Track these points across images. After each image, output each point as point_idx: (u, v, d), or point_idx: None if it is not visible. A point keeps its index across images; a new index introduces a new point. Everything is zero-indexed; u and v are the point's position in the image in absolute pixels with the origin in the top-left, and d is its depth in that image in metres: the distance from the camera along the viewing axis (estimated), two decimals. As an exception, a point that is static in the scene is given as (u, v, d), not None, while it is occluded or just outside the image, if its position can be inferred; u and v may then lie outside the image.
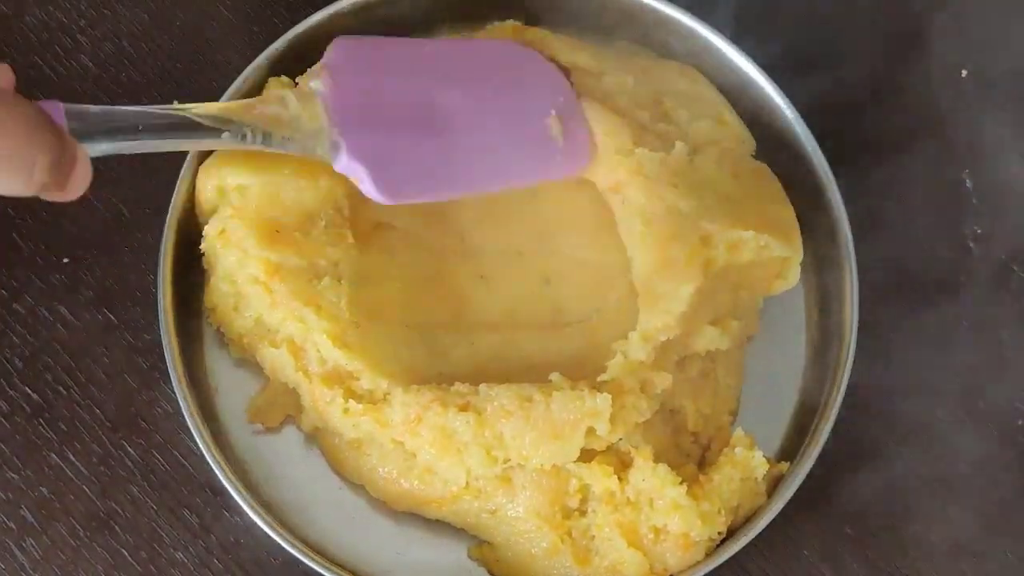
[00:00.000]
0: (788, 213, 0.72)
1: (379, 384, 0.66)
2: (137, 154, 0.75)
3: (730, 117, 0.75)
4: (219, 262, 0.68)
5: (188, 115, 0.60)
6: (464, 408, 0.65)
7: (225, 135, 0.61)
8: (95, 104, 0.57)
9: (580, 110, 0.71)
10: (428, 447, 0.66)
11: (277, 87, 0.71)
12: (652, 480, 0.65)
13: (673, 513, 0.65)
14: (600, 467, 0.66)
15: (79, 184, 0.53)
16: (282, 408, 0.71)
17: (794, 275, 0.72)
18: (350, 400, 0.66)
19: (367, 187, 0.63)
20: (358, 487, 0.70)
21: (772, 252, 0.70)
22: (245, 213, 0.67)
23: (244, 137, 0.61)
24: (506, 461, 0.65)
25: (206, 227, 0.69)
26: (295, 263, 0.67)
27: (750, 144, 0.75)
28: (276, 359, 0.68)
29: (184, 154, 0.70)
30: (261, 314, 0.68)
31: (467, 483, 0.67)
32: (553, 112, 0.69)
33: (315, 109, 0.63)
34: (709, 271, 0.69)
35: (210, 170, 0.69)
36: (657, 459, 0.66)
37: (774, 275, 0.72)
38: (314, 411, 0.68)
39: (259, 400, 0.71)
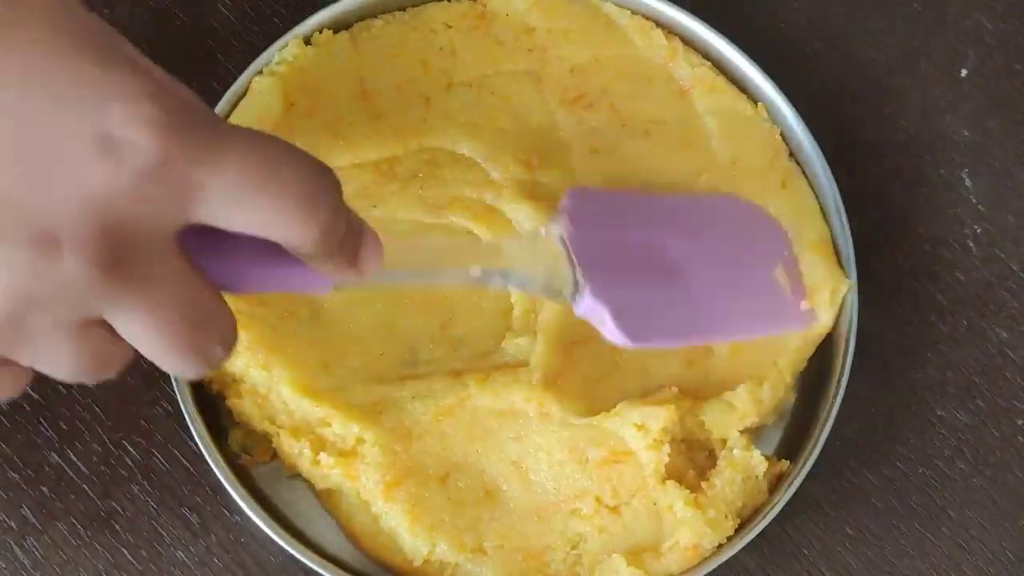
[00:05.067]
0: None
1: (351, 430, 0.66)
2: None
3: None
4: None
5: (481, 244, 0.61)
6: (444, 479, 0.66)
7: (476, 270, 0.57)
8: None
9: (798, 266, 0.71)
10: (400, 516, 0.66)
11: (297, 48, 0.71)
12: (662, 499, 0.66)
13: (681, 528, 0.65)
14: (596, 505, 0.66)
15: (370, 260, 0.49)
16: (265, 446, 0.69)
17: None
18: (320, 453, 0.66)
19: (609, 328, 0.62)
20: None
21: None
22: None
23: (495, 273, 0.58)
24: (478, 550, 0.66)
25: None
26: (259, 312, 0.67)
27: None
28: (242, 409, 0.68)
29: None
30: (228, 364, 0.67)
31: (428, 559, 0.66)
32: (780, 266, 0.70)
33: (559, 251, 0.62)
34: None
35: None
36: (668, 476, 0.66)
37: None
38: (286, 460, 0.68)
39: (238, 435, 0.69)
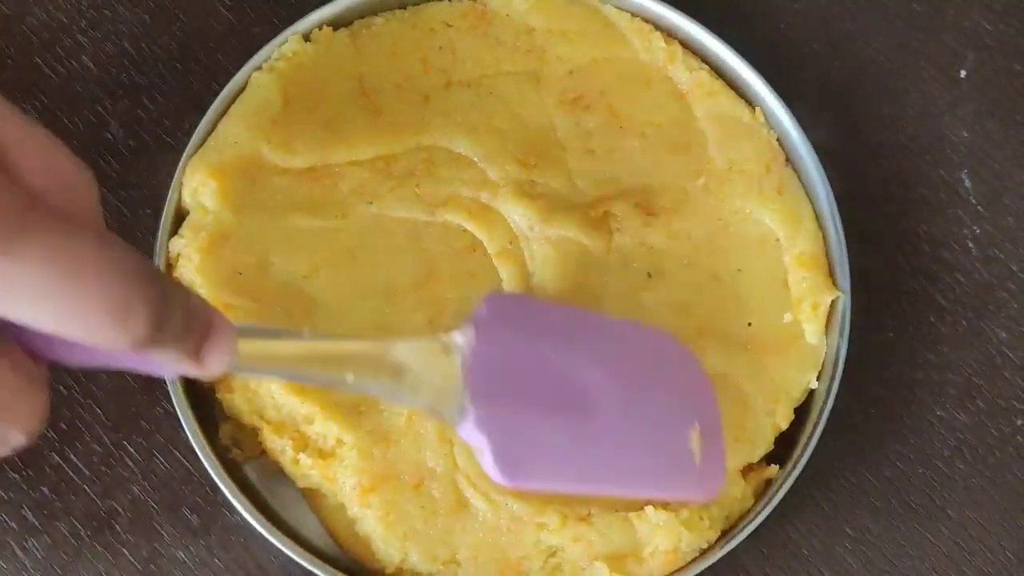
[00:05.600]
0: None
1: (331, 429, 0.66)
2: (138, 154, 0.76)
3: None
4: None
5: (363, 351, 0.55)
6: (418, 486, 0.65)
7: (350, 376, 0.54)
8: None
9: (721, 432, 0.66)
10: (375, 521, 0.66)
11: (296, 45, 0.71)
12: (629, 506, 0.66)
13: (657, 532, 0.65)
14: (562, 519, 0.66)
15: (216, 358, 0.45)
16: (254, 442, 0.69)
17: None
18: (300, 453, 0.66)
19: (486, 461, 0.58)
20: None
21: None
22: (209, 250, 0.67)
23: (371, 381, 0.56)
24: (451, 561, 0.66)
25: (170, 242, 0.68)
26: (253, 308, 0.67)
27: None
28: (232, 403, 0.67)
29: (179, 150, 0.70)
30: None
31: (400, 567, 0.66)
32: (697, 424, 0.65)
33: (453, 367, 0.58)
34: None
35: (195, 173, 0.69)
36: None
37: None
38: (271, 456, 0.68)
39: (228, 429, 0.69)
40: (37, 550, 0.70)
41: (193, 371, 0.45)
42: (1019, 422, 0.75)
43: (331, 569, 0.65)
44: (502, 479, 0.58)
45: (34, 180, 0.42)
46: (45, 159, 0.43)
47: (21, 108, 0.76)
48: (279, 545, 0.65)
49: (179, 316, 0.43)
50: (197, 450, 0.66)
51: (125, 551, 0.70)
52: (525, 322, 0.63)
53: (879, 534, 0.73)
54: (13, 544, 0.70)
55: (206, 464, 0.66)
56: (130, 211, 0.75)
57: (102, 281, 0.40)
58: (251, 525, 0.66)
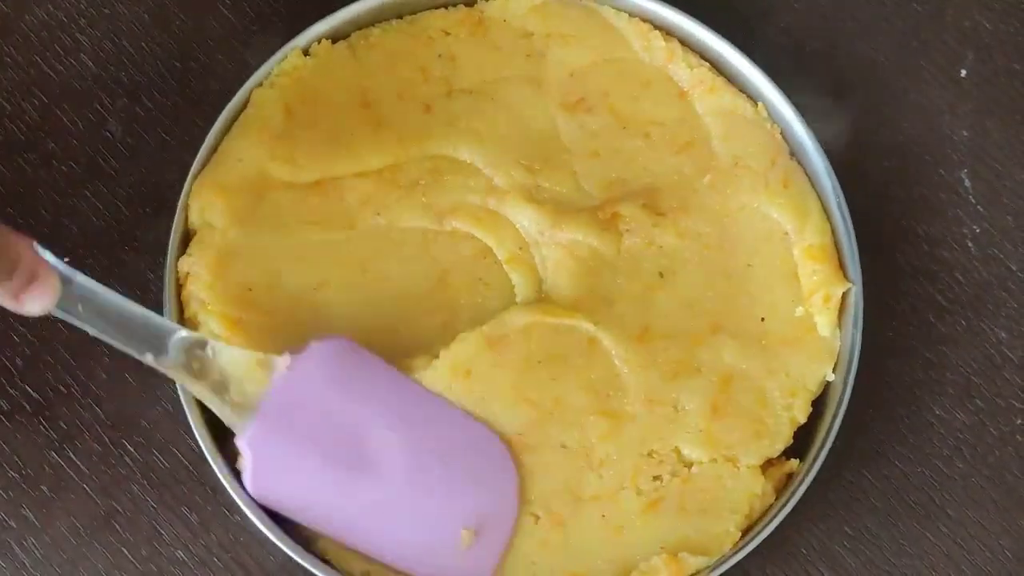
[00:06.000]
0: None
1: None
2: (137, 153, 0.76)
3: None
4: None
5: (167, 337, 0.61)
6: None
7: (149, 357, 0.60)
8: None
9: (508, 529, 0.66)
10: None
11: (296, 59, 0.71)
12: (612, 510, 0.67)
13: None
14: None
15: (34, 302, 0.55)
16: None
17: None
18: None
19: (245, 474, 0.63)
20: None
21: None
22: (218, 268, 0.68)
23: (191, 378, 0.61)
24: None
25: (179, 261, 0.69)
26: (259, 320, 0.67)
27: None
28: None
29: (188, 157, 0.70)
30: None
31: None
32: (473, 525, 0.65)
33: (262, 385, 0.63)
34: None
35: (201, 192, 0.69)
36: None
37: None
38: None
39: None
40: (36, 549, 0.70)
41: (15, 309, 0.55)
42: (1018, 421, 0.75)
43: (331, 569, 0.65)
44: (251, 491, 0.64)
45: None
46: None
47: (20, 107, 0.77)
48: (279, 545, 0.65)
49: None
50: (207, 455, 0.66)
51: (125, 550, 0.70)
52: (345, 371, 0.65)
53: (879, 534, 0.73)
54: (12, 543, 0.70)
55: (215, 469, 0.66)
56: (129, 209, 0.75)
57: None
58: (251, 525, 0.66)
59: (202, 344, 0.62)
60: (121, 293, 0.73)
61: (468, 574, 0.66)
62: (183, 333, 0.61)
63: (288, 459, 0.63)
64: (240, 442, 0.63)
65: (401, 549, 0.65)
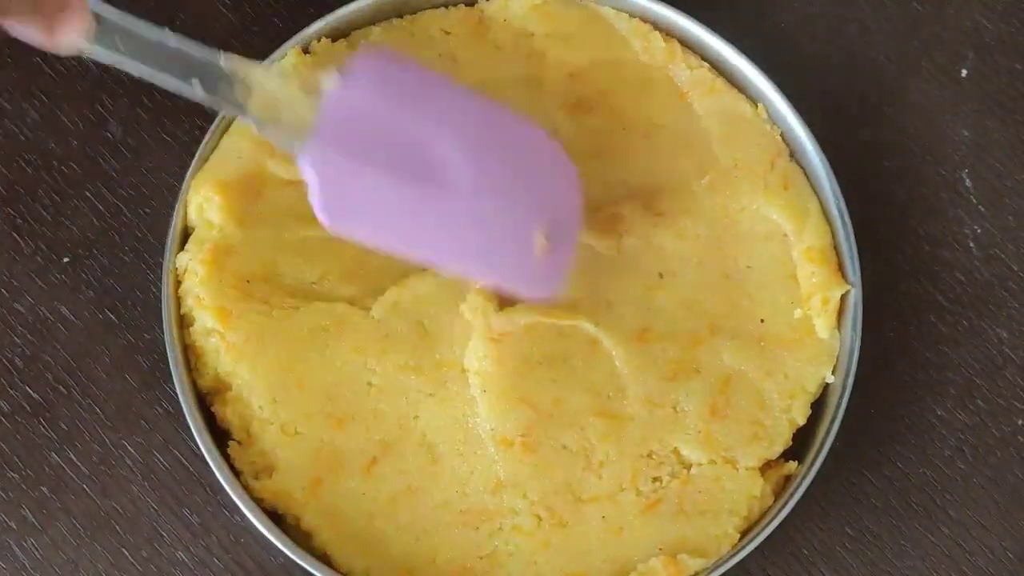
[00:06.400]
0: None
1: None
2: (137, 153, 0.76)
3: None
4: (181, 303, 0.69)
5: (213, 60, 0.58)
6: None
7: (196, 83, 0.58)
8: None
9: (575, 234, 0.66)
10: None
11: (296, 58, 0.71)
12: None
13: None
14: None
15: (70, 31, 0.53)
16: None
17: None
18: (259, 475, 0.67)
19: (314, 198, 0.61)
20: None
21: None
22: (214, 262, 0.68)
23: (239, 105, 0.59)
24: None
25: (177, 257, 0.69)
26: (257, 310, 0.68)
27: None
28: (224, 416, 0.68)
29: (188, 158, 0.70)
30: (216, 368, 0.68)
31: None
32: (545, 224, 0.65)
33: (313, 107, 0.61)
34: None
35: (200, 189, 0.69)
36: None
37: None
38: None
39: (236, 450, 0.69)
40: (36, 549, 0.70)
41: (48, 43, 0.53)
42: (1020, 422, 0.75)
43: (331, 569, 0.65)
44: (324, 218, 0.61)
45: None
46: None
47: (21, 107, 0.77)
48: (279, 545, 0.65)
49: None
50: (206, 455, 0.66)
51: (125, 550, 0.70)
52: (395, 84, 0.64)
53: (879, 534, 0.73)
54: (12, 543, 0.70)
55: (215, 470, 0.66)
56: (129, 209, 0.75)
57: None
58: (251, 525, 0.66)
59: (246, 69, 0.59)
60: (121, 293, 0.74)
61: (544, 279, 0.66)
62: (224, 60, 0.59)
63: (353, 177, 0.61)
64: (302, 163, 0.61)
65: (479, 257, 0.65)
